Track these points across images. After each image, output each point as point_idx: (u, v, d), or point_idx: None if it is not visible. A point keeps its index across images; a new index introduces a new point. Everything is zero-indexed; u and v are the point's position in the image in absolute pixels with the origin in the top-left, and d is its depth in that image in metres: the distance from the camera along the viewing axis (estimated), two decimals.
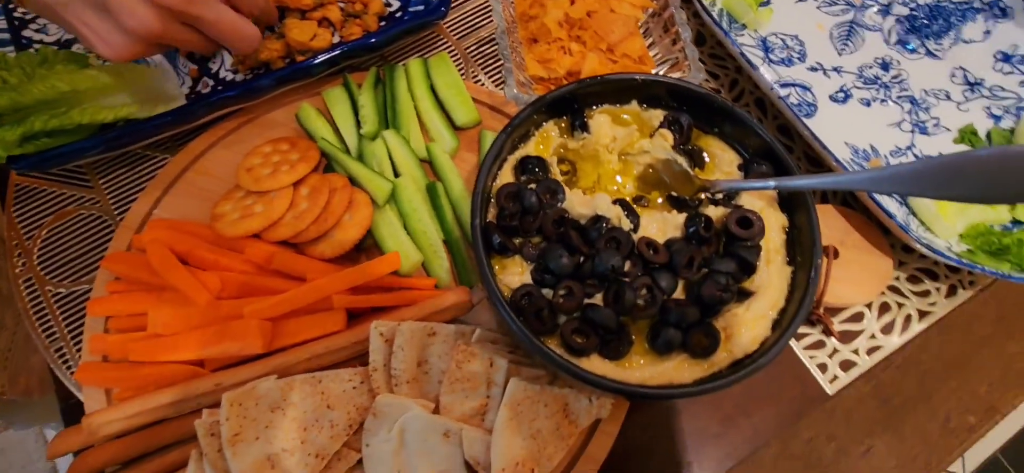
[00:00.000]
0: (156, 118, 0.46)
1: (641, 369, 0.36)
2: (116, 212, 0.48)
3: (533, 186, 0.39)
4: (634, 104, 0.45)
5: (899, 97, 0.56)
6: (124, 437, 0.36)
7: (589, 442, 0.40)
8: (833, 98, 0.55)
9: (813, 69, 0.57)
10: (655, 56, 0.53)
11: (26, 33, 0.51)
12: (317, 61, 0.48)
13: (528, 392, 0.37)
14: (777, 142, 0.41)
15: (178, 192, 0.47)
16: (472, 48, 0.57)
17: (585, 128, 0.43)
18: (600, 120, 0.44)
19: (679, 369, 0.36)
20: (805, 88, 0.56)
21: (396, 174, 0.47)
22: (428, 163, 0.49)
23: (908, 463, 0.43)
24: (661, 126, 0.43)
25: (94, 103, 0.45)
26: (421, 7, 0.54)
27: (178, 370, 0.38)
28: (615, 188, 0.43)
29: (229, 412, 0.35)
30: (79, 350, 0.43)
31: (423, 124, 0.50)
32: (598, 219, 0.37)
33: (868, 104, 0.55)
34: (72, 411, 0.41)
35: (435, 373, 0.39)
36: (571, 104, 0.43)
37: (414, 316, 0.40)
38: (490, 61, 0.56)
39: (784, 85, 0.55)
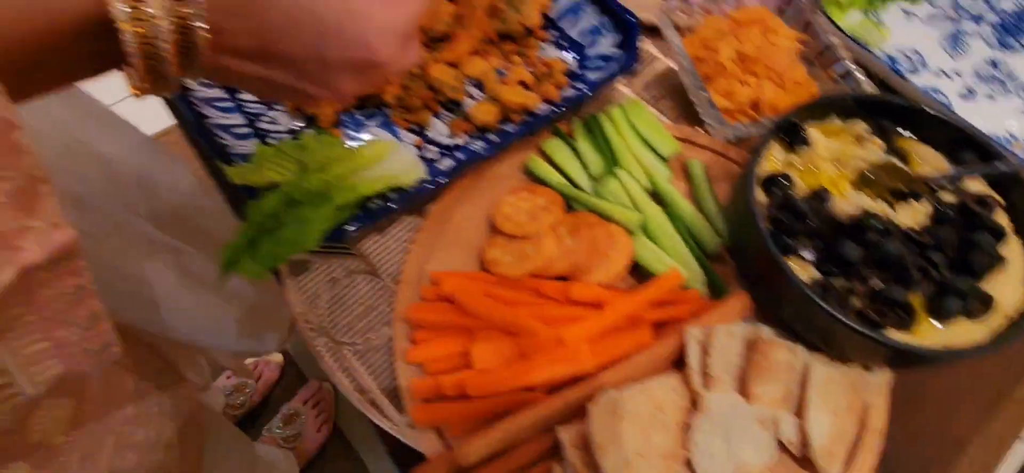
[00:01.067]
0: (420, 187, 0.51)
1: (929, 336, 0.41)
2: (383, 272, 0.52)
3: (786, 195, 0.46)
4: (833, 118, 0.52)
5: (1017, 87, 0.64)
6: (487, 463, 0.40)
7: (866, 416, 0.45)
8: (962, 96, 0.64)
9: (937, 75, 0.65)
10: (817, 78, 0.61)
11: (260, 126, 0.56)
12: (541, 116, 0.55)
13: (829, 372, 0.42)
14: (978, 131, 0.48)
15: (440, 247, 0.52)
16: (640, 90, 0.64)
17: (805, 142, 0.50)
18: (815, 134, 0.51)
19: (961, 333, 0.41)
20: (938, 91, 0.64)
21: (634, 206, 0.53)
22: (651, 193, 0.54)
23: None
24: (868, 133, 0.51)
25: (358, 180, 0.50)
26: (602, 64, 0.61)
27: (510, 398, 0.42)
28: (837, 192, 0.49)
29: (595, 423, 0.39)
30: (388, 396, 0.46)
31: (637, 160, 0.56)
32: (867, 215, 0.44)
33: (992, 98, 0.64)
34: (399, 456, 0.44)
35: (736, 369, 0.43)
36: (792, 124, 0.50)
37: (703, 323, 0.45)
38: (659, 99, 0.63)
39: (924, 91, 0.63)
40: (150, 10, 0.23)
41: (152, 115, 0.62)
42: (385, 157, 0.52)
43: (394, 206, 0.50)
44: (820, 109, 0.51)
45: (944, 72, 0.66)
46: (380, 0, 0.30)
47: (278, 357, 1.23)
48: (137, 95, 0.26)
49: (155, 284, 0.59)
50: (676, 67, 0.63)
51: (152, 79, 0.25)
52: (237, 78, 0.29)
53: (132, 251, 0.57)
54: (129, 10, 0.22)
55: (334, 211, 0.45)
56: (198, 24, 0.24)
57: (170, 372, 0.65)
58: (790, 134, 0.50)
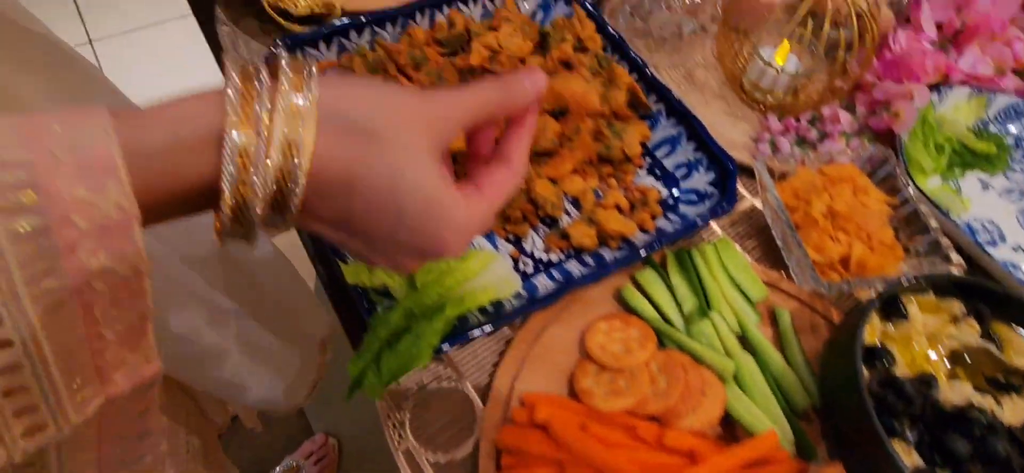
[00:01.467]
0: (518, 307, 0.52)
1: None
2: (469, 382, 0.52)
3: (888, 372, 0.46)
4: (930, 294, 0.53)
5: None
6: None
7: None
8: None
9: (1015, 250, 0.67)
10: (902, 242, 0.62)
11: None
12: (638, 247, 0.56)
13: None
14: None
15: (529, 365, 0.52)
16: (727, 225, 0.65)
17: (903, 315, 0.51)
18: (913, 309, 0.51)
19: None
20: (1016, 267, 0.65)
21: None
22: (739, 338, 0.55)
23: None
24: (963, 314, 0.51)
25: (465, 292, 0.51)
26: (695, 199, 0.63)
27: None
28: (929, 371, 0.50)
29: None
30: None
31: (728, 302, 0.57)
32: (972, 407, 0.44)
33: None
34: None
35: None
36: (893, 297, 0.51)
37: None
38: (744, 237, 0.65)
39: (1003, 265, 0.64)
40: (255, 180, 0.24)
41: None
42: (488, 267, 0.53)
43: (490, 327, 0.50)
44: (920, 285, 0.52)
45: (1021, 248, 0.67)
46: (463, 202, 0.30)
47: None
48: (217, 237, 0.27)
49: (206, 345, 0.58)
50: (763, 208, 0.65)
51: (236, 229, 0.26)
52: (315, 232, 0.30)
53: (189, 311, 0.57)
54: (236, 174, 0.24)
55: (445, 325, 0.46)
56: (293, 200, 0.26)
57: (198, 414, 0.65)
58: (889, 305, 0.51)
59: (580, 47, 0.71)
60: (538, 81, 0.35)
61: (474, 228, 0.31)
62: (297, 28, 0.68)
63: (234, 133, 0.24)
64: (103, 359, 0.22)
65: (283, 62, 0.26)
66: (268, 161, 0.24)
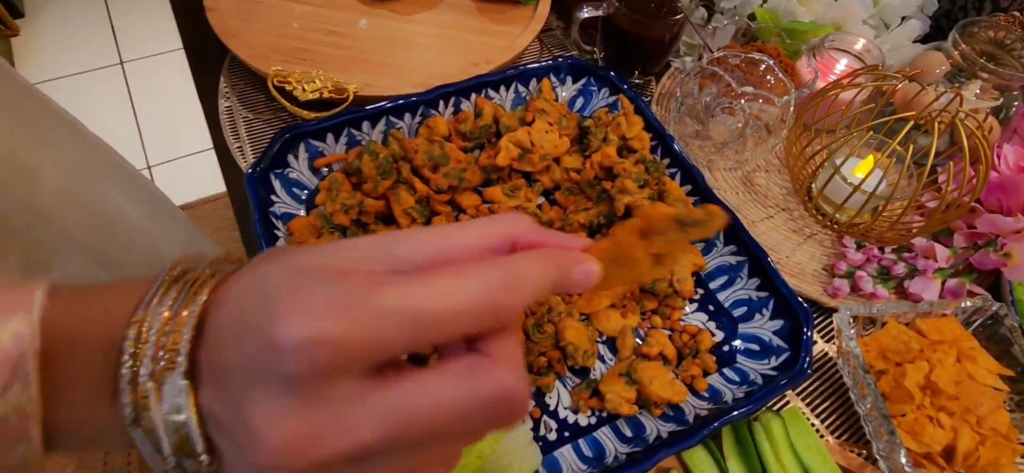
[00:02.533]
0: None
1: None
2: None
3: None
4: None
5: None
6: None
7: None
8: None
9: None
10: (1019, 427, 0.50)
11: None
12: (690, 420, 0.46)
13: None
14: None
15: None
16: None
17: None
18: None
19: None
20: None
21: None
22: None
23: None
24: None
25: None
26: (756, 348, 0.52)
27: None
28: None
29: None
30: None
31: None
32: None
33: None
34: None
35: None
36: None
37: None
38: (813, 395, 0.53)
39: None
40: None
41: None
42: (501, 442, 0.43)
43: None
44: None
45: None
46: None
47: None
48: None
49: None
50: (839, 362, 0.53)
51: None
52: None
53: None
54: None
55: None
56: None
57: None
58: None
59: (625, 146, 0.62)
60: (588, 273, 0.23)
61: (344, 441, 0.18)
62: (304, 114, 0.60)
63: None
64: None
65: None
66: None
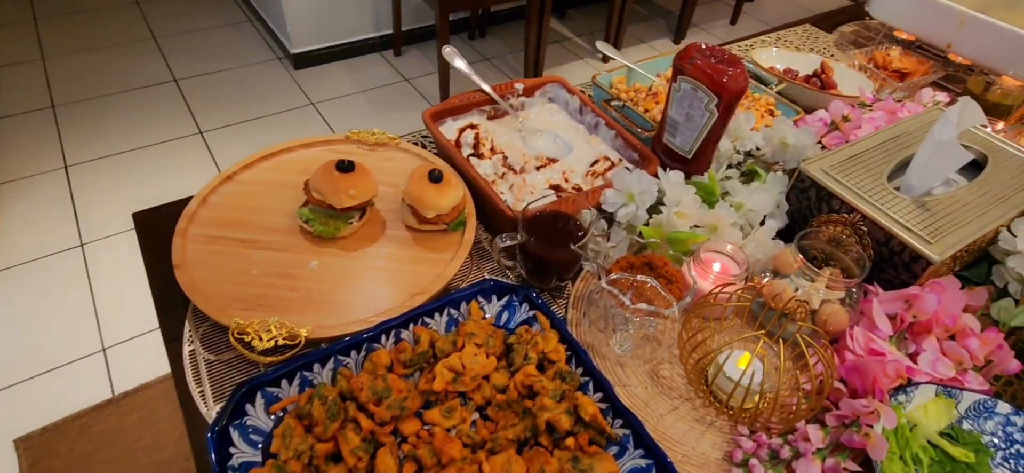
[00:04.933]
0: None
1: None
2: None
3: None
4: None
5: None
6: None
7: None
8: None
9: None
10: None
11: None
12: None
13: None
14: None
15: None
16: None
17: None
18: None
19: None
20: None
21: None
22: None
23: None
24: None
25: None
26: None
27: None
28: None
29: None
30: None
31: None
32: None
33: None
34: None
35: None
36: None
37: None
38: None
39: None
40: None
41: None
42: None
43: None
44: None
45: None
46: None
47: None
48: None
49: None
50: None
51: None
52: None
53: None
54: None
55: None
56: None
57: None
58: None
59: (545, 358, 0.72)
60: None
61: None
62: (262, 359, 0.68)
63: None
64: None
65: None
66: None
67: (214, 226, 0.82)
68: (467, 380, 0.69)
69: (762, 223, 0.90)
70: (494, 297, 0.79)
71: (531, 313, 0.78)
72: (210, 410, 0.67)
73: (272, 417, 0.64)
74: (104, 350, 1.80)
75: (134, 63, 3.05)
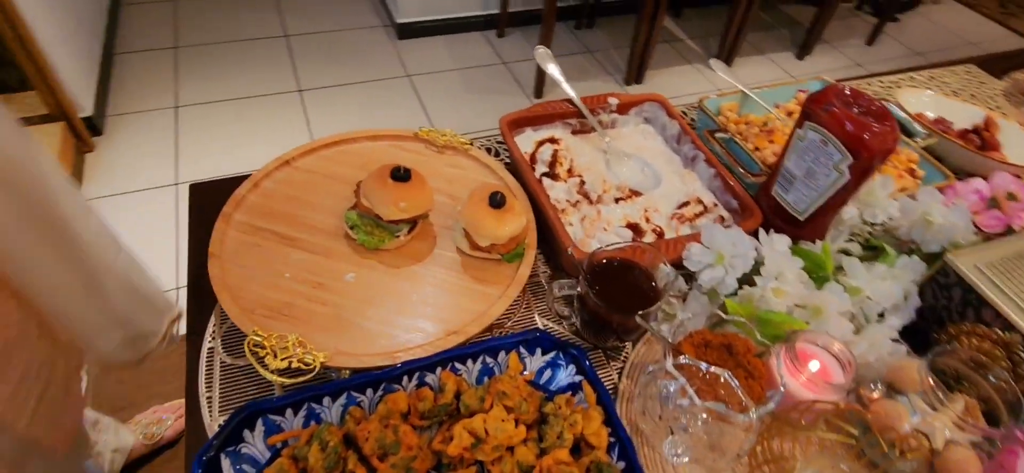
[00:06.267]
0: None
1: None
2: None
3: None
4: None
5: None
6: None
7: None
8: None
9: None
10: None
11: None
12: None
13: None
14: None
15: None
16: None
17: None
18: None
19: None
20: None
21: None
22: None
23: None
24: None
25: None
26: None
27: None
28: None
29: None
30: None
31: None
32: None
33: None
34: None
35: None
36: None
37: None
38: None
39: None
40: None
41: None
42: None
43: None
44: None
45: None
46: None
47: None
48: None
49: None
50: None
51: None
52: None
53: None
54: None
55: None
56: None
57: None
58: None
59: (584, 441, 0.61)
60: None
61: None
62: (274, 378, 0.62)
63: None
64: None
65: None
66: None
67: (259, 215, 0.78)
68: (488, 449, 0.59)
69: (880, 316, 0.73)
70: (538, 350, 0.69)
71: (577, 377, 0.68)
72: (213, 421, 0.63)
73: (270, 448, 0.58)
74: (177, 290, 1.88)
75: (255, 14, 3.18)
